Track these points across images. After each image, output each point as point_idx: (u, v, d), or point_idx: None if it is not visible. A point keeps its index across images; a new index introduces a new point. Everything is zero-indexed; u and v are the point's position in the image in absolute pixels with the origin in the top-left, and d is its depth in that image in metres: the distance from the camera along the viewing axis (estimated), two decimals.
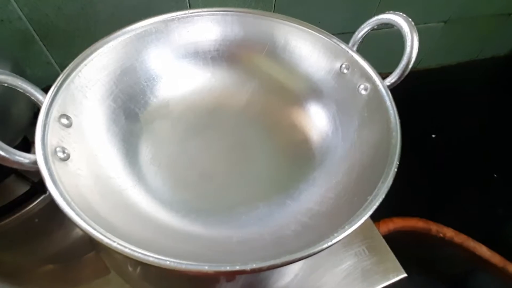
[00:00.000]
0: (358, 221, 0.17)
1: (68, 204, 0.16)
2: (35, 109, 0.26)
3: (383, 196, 0.17)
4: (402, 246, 0.31)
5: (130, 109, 0.27)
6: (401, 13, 0.23)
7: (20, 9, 0.32)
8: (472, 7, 0.55)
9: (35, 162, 0.17)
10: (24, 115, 0.28)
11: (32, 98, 0.20)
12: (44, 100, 0.20)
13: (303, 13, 0.44)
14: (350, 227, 0.16)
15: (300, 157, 0.28)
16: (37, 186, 0.30)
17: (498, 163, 0.48)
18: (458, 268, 0.34)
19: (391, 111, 0.22)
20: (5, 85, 0.18)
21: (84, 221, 0.15)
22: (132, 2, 0.35)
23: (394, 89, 0.24)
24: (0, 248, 0.28)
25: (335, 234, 0.16)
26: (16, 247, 0.29)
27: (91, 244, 0.29)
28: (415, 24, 0.58)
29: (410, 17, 0.54)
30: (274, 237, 0.21)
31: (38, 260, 0.28)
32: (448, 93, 0.60)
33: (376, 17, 0.25)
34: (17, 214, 0.29)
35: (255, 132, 0.30)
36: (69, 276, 0.28)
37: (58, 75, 0.39)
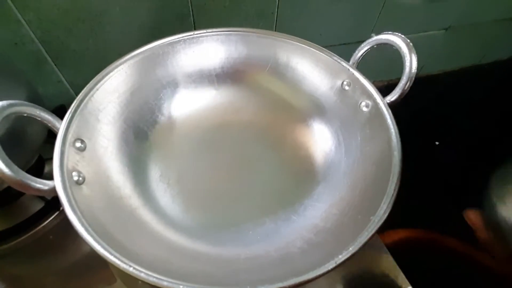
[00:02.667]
0: (362, 241, 0.17)
1: (86, 229, 0.17)
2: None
3: (386, 217, 0.18)
4: (407, 257, 0.31)
5: (140, 128, 0.28)
6: (398, 34, 0.24)
7: (33, 32, 0.34)
8: (473, 14, 0.55)
9: (53, 189, 0.18)
10: (39, 135, 0.29)
11: (49, 125, 0.21)
12: (60, 126, 0.21)
13: (305, 26, 0.45)
14: (355, 248, 0.17)
15: (304, 172, 0.29)
16: (51, 203, 0.31)
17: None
18: (462, 278, 0.34)
19: (392, 130, 0.23)
20: (25, 115, 0.19)
21: (102, 246, 0.16)
22: (139, 23, 0.36)
23: None
24: (17, 263, 0.29)
25: (340, 256, 0.16)
26: (31, 262, 0.30)
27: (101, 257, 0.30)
28: (416, 32, 0.58)
29: (411, 26, 0.55)
30: (281, 254, 0.22)
31: (51, 273, 0.29)
32: (451, 99, 0.60)
33: (375, 37, 0.25)
34: (33, 231, 0.30)
35: (260, 148, 0.31)
36: (79, 285, 0.29)
37: (68, 93, 0.41)
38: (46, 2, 0.32)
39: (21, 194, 0.31)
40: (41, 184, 0.18)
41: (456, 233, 0.36)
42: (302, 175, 0.28)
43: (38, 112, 0.20)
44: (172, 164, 0.29)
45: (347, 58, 0.29)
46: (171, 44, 0.29)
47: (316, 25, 0.45)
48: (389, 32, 0.24)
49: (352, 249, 0.17)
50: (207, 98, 0.32)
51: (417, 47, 0.24)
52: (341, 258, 0.16)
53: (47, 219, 0.30)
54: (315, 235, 0.23)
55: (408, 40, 0.23)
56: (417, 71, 0.24)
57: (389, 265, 0.30)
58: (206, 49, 0.31)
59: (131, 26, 0.36)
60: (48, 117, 0.20)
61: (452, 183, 0.45)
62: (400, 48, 0.23)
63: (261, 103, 0.32)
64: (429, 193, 0.43)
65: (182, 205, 0.26)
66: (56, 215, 0.31)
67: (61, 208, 0.31)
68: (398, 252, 0.31)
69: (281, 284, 0.15)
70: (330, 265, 0.16)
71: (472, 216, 0.33)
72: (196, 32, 0.30)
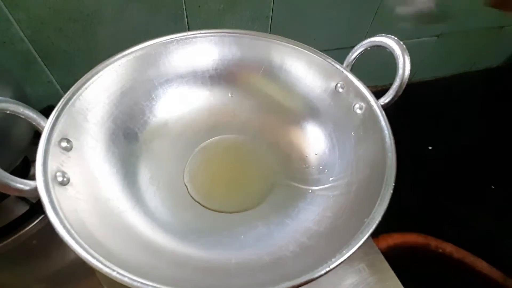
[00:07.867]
0: (356, 244, 0.17)
1: (68, 232, 0.16)
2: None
3: (380, 219, 0.18)
4: (401, 262, 0.31)
5: (130, 129, 0.28)
6: (392, 36, 0.24)
7: (23, 31, 0.33)
8: (464, 22, 0.56)
9: (35, 189, 0.17)
10: (25, 136, 0.28)
11: (34, 123, 0.20)
12: (45, 125, 0.20)
13: (299, 30, 0.45)
14: (348, 251, 0.16)
15: (298, 174, 0.28)
16: (36, 207, 0.30)
17: (495, 174, 0.48)
18: (457, 284, 0.34)
19: (386, 131, 0.23)
20: (8, 112, 0.19)
21: (84, 249, 0.15)
22: (132, 24, 0.36)
23: None
24: None
25: (333, 259, 0.16)
26: (14, 268, 0.28)
27: (86, 263, 0.29)
28: (408, 38, 0.59)
29: (403, 32, 0.56)
30: (273, 258, 0.21)
31: (34, 281, 0.28)
32: (443, 105, 0.61)
33: (368, 40, 0.25)
34: (16, 236, 0.28)
35: (253, 150, 0.30)
36: None
37: (58, 94, 0.40)
38: (37, 1, 0.31)
39: (4, 197, 0.30)
40: (22, 184, 0.17)
41: (451, 238, 0.36)
42: (296, 178, 0.28)
43: (21, 110, 0.19)
44: (163, 166, 0.28)
45: (340, 63, 0.29)
46: (164, 44, 0.29)
47: (310, 30, 0.46)
48: (383, 35, 0.24)
49: (345, 252, 0.16)
50: (200, 99, 0.31)
51: (410, 53, 0.24)
52: (335, 261, 0.16)
53: (31, 223, 0.29)
54: (308, 239, 0.22)
55: (401, 42, 0.23)
56: (410, 77, 0.24)
57: (383, 270, 0.30)
58: (200, 50, 0.30)
59: (123, 27, 0.36)
60: (32, 115, 0.20)
61: (446, 188, 0.45)
62: (393, 50, 0.23)
63: (254, 105, 0.32)
64: (423, 198, 0.43)
65: (172, 208, 0.25)
66: (41, 219, 0.30)
67: (46, 213, 0.30)
68: (393, 256, 0.31)
69: None
70: (323, 269, 0.15)
71: None
72: (189, 32, 0.30)
